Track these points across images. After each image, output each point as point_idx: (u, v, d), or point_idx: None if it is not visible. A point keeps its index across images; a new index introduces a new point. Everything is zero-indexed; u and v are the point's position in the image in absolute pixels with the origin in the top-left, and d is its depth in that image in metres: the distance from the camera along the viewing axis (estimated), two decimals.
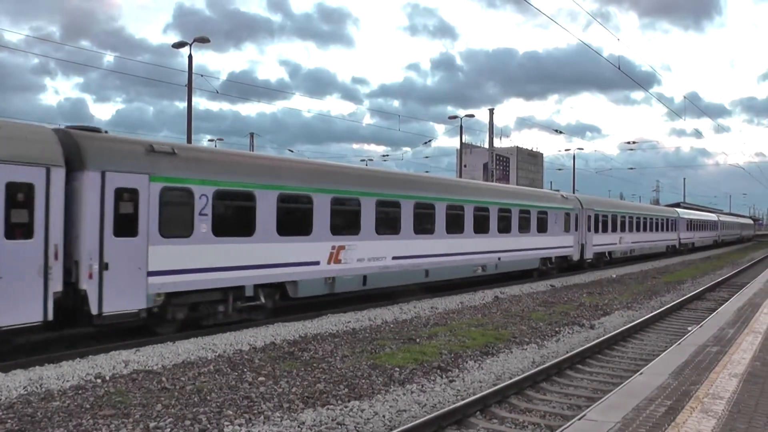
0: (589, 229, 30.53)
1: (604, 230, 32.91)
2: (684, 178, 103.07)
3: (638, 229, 39.42)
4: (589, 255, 30.65)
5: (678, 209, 55.99)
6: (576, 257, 29.29)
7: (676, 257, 45.08)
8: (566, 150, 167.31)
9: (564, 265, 28.56)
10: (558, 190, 37.12)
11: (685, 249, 51.55)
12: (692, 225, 55.52)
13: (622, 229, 36.06)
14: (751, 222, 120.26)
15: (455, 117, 48.66)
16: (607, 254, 34.01)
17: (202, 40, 28.47)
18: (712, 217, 71.01)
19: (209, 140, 68.50)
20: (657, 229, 44.28)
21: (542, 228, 25.99)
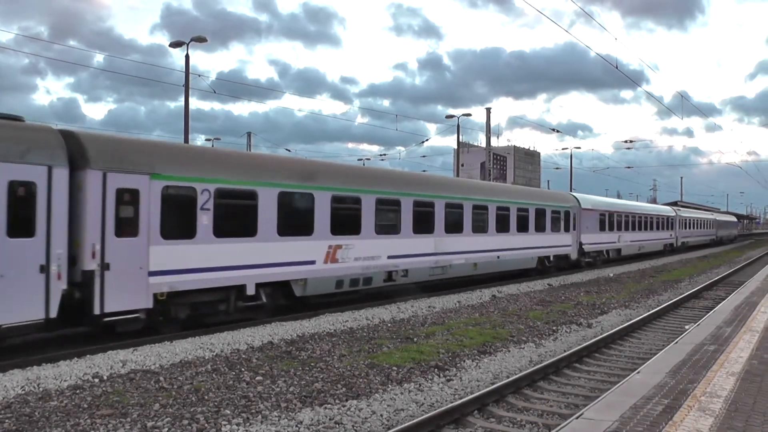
0: (253, 231, 13.88)
1: (342, 230, 16.25)
2: (681, 177, 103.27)
3: (456, 229, 20.82)
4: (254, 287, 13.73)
5: (578, 194, 33.51)
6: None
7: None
8: (563, 149, 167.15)
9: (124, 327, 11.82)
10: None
11: (597, 261, 33.30)
12: (612, 223, 35.40)
13: (384, 230, 17.70)
14: (735, 220, 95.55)
15: (452, 116, 48.70)
16: (337, 285, 16.20)
17: (200, 40, 28.41)
18: (663, 211, 49.73)
19: (206, 140, 68.47)
20: (514, 229, 24.49)
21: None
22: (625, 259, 37.84)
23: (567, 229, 29.29)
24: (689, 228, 56.11)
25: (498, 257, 23.22)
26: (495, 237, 23.12)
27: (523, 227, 25.20)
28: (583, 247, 31.03)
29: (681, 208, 57.94)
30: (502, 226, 23.68)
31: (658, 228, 45.52)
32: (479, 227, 22.20)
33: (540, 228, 26.70)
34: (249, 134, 53.32)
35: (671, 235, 49.22)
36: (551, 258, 27.84)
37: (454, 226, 20.70)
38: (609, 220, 34.88)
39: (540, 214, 26.75)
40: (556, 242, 28.30)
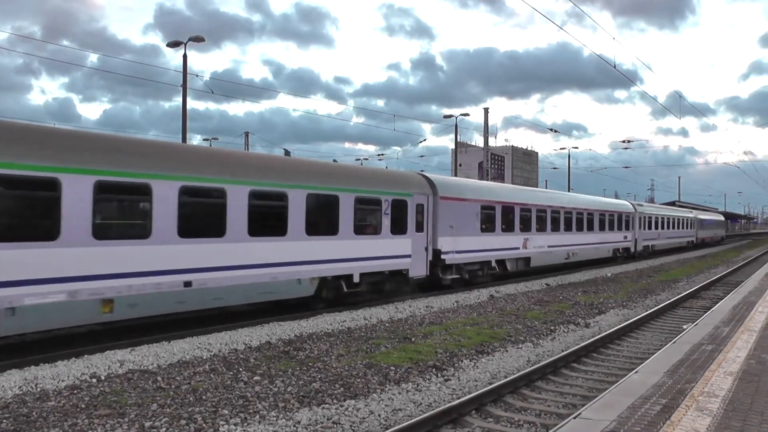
0: None
1: None
2: (679, 177, 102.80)
3: (36, 234, 10.33)
4: None
5: (435, 176, 21.80)
6: None
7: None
8: (561, 149, 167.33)
9: None
10: None
11: (479, 278, 22.54)
12: (511, 220, 24.53)
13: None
14: (721, 219, 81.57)
15: (450, 116, 48.54)
16: None
17: (197, 40, 28.50)
18: (615, 206, 37.24)
19: (204, 140, 68.38)
20: (243, 231, 13.53)
21: None
22: (539, 272, 27.20)
23: (400, 230, 18.11)
24: (656, 228, 44.71)
25: (188, 284, 12.49)
26: (176, 246, 12.29)
27: (270, 227, 14.23)
28: (443, 257, 19.91)
29: (644, 204, 47.34)
30: (202, 227, 12.95)
31: (605, 228, 33.92)
32: (122, 229, 11.85)
33: (326, 228, 15.60)
34: (247, 134, 53.34)
35: (627, 237, 37.75)
36: (355, 278, 16.47)
37: (25, 227, 10.40)
38: (504, 217, 23.71)
39: (326, 205, 15.66)
40: (371, 251, 16.97)
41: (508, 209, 24.23)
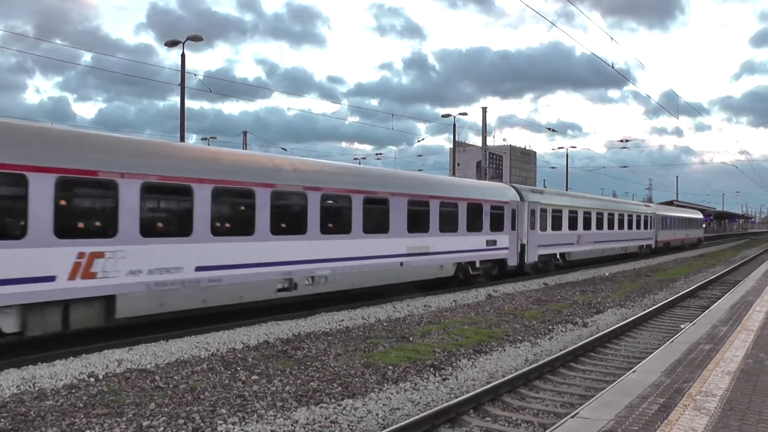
0: None
1: None
2: (677, 177, 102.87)
3: None
4: None
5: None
6: None
7: None
8: (559, 148, 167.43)
9: None
10: None
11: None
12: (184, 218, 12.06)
13: None
14: (699, 216, 64.31)
15: (448, 115, 48.47)
16: None
17: (195, 39, 28.48)
18: (482, 192, 22.51)
19: (202, 139, 68.32)
20: None
21: None
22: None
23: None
24: (572, 228, 29.88)
25: None
26: None
27: None
28: None
29: (545, 190, 30.56)
30: None
31: (429, 228, 19.23)
32: None
33: None
34: (245, 133, 53.28)
35: (498, 242, 23.05)
36: None
37: None
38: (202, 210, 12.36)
39: None
40: None
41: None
